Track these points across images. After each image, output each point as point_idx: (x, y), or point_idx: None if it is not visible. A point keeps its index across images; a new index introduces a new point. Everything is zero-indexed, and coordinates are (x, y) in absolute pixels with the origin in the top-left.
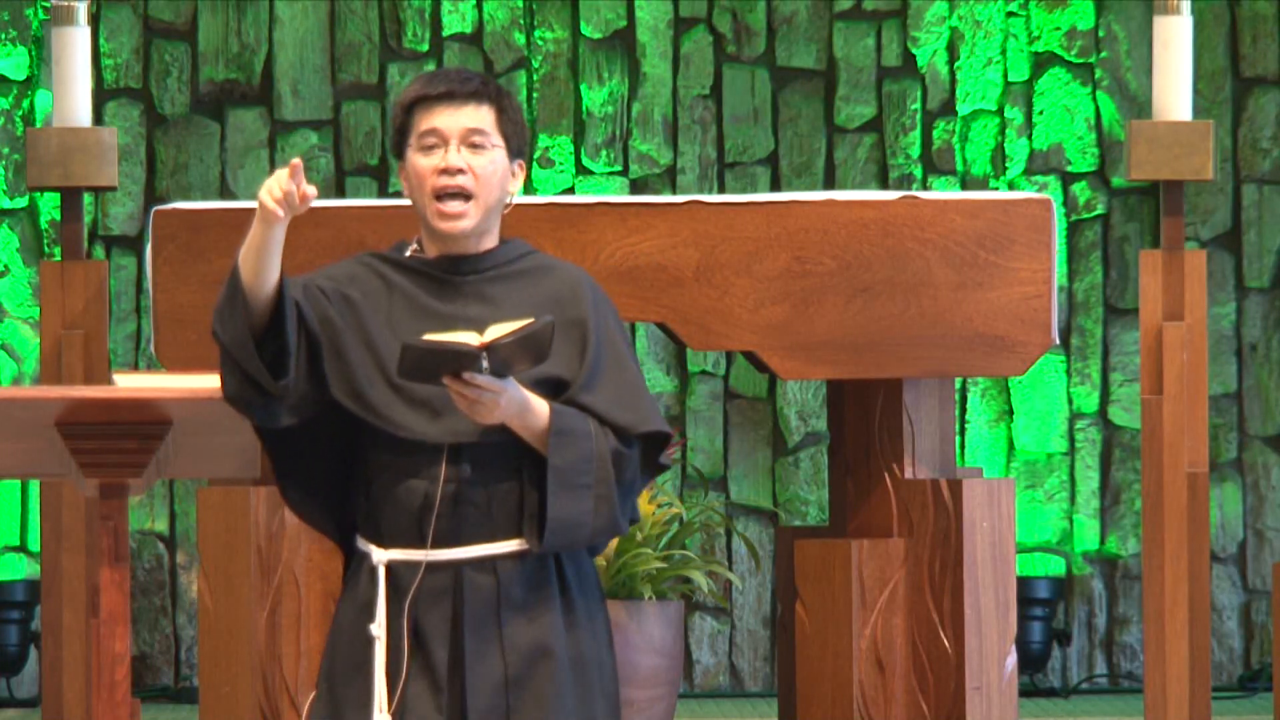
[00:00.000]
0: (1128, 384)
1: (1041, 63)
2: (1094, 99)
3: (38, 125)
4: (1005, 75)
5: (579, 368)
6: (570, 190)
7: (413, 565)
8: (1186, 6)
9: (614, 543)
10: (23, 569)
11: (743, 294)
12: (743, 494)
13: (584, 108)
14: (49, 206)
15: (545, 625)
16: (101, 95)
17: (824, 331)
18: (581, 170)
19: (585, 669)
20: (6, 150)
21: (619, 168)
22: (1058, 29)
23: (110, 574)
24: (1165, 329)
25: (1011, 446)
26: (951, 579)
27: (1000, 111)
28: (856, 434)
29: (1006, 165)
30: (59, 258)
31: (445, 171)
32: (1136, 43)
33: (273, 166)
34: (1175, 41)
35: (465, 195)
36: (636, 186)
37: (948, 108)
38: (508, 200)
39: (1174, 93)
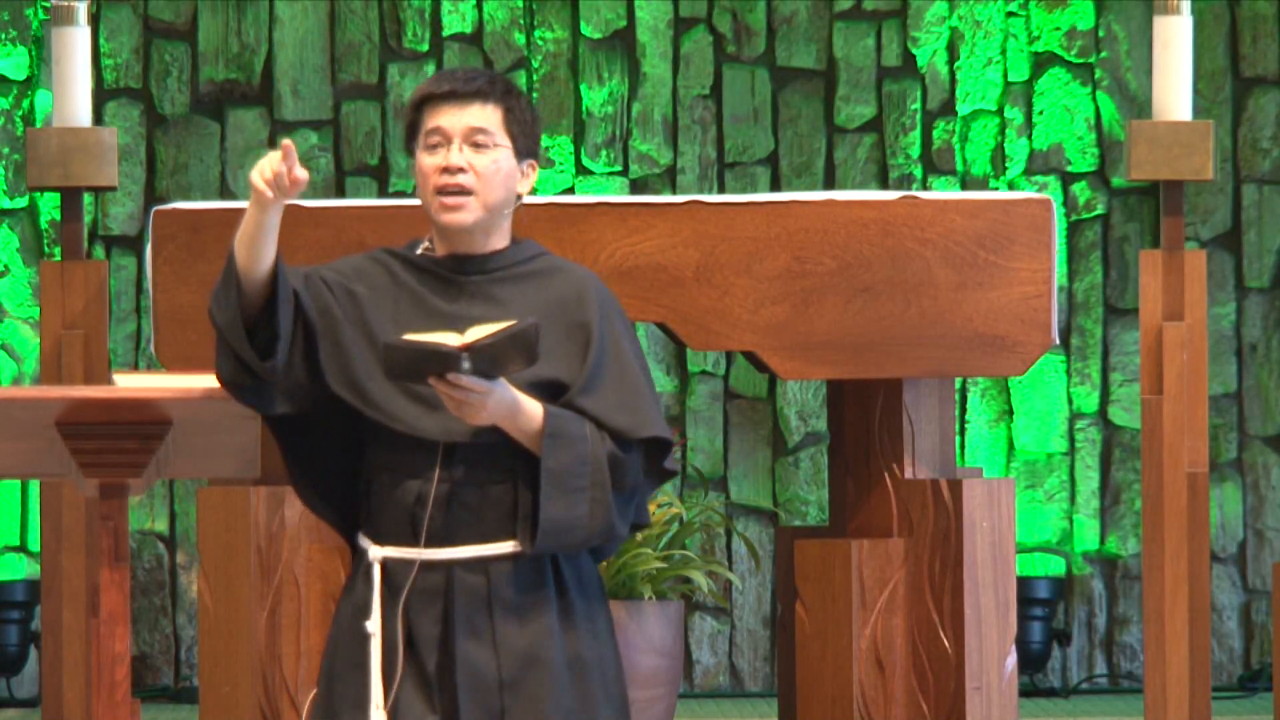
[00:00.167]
0: (1128, 384)
1: (1041, 63)
2: (1094, 99)
3: (38, 125)
4: (1005, 75)
5: (580, 371)
6: (570, 190)
7: (406, 563)
8: (1186, 6)
9: None
10: (23, 569)
11: (743, 294)
12: (743, 494)
13: (584, 108)
14: (49, 206)
15: (540, 628)
16: (101, 95)
17: (824, 331)
18: (581, 170)
19: (584, 671)
20: (6, 150)
21: (619, 168)
22: (1058, 29)
23: (110, 574)
24: (1165, 329)
25: (1011, 446)
26: (951, 579)
27: (1000, 111)
28: (856, 434)
29: (1006, 165)
30: (59, 258)
31: (446, 170)
32: (1136, 43)
33: None
34: (1175, 41)
35: (466, 193)
36: (636, 186)
37: (948, 108)
38: (517, 200)
39: (1174, 93)
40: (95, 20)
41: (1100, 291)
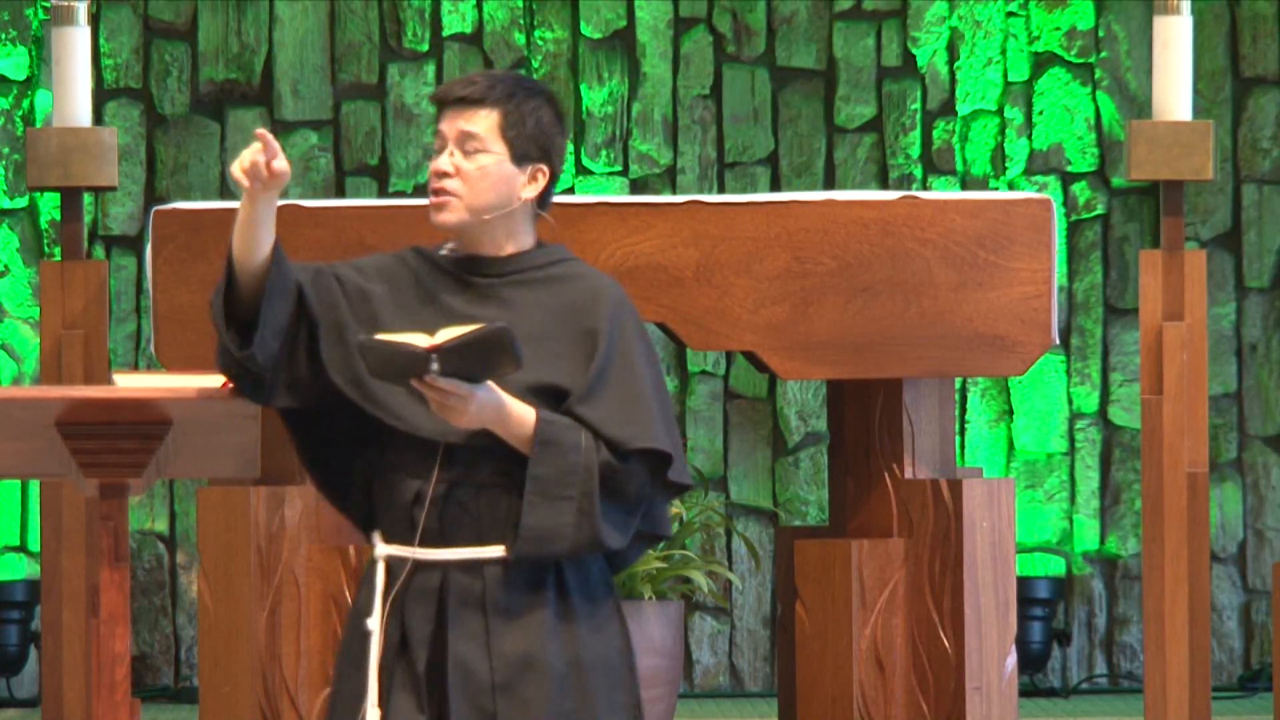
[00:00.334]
0: (1128, 384)
1: (1041, 63)
2: (1094, 99)
3: (38, 125)
4: (1005, 75)
5: (583, 378)
6: (570, 190)
7: (405, 562)
8: (1186, 6)
9: None
10: (23, 569)
11: (743, 294)
12: (743, 494)
13: (584, 108)
14: (49, 206)
15: (535, 631)
16: (101, 95)
17: (824, 331)
18: (581, 170)
19: (585, 675)
20: (6, 150)
21: (619, 168)
22: (1058, 29)
23: (110, 574)
24: (1165, 329)
25: (1011, 446)
26: (951, 579)
27: (1000, 111)
28: (856, 434)
29: (1006, 165)
30: (59, 258)
31: (435, 174)
32: (1136, 43)
33: None
34: (1175, 41)
35: (450, 196)
36: (636, 186)
37: (948, 108)
38: (535, 205)
39: (1174, 93)
40: (95, 20)
41: (1100, 291)
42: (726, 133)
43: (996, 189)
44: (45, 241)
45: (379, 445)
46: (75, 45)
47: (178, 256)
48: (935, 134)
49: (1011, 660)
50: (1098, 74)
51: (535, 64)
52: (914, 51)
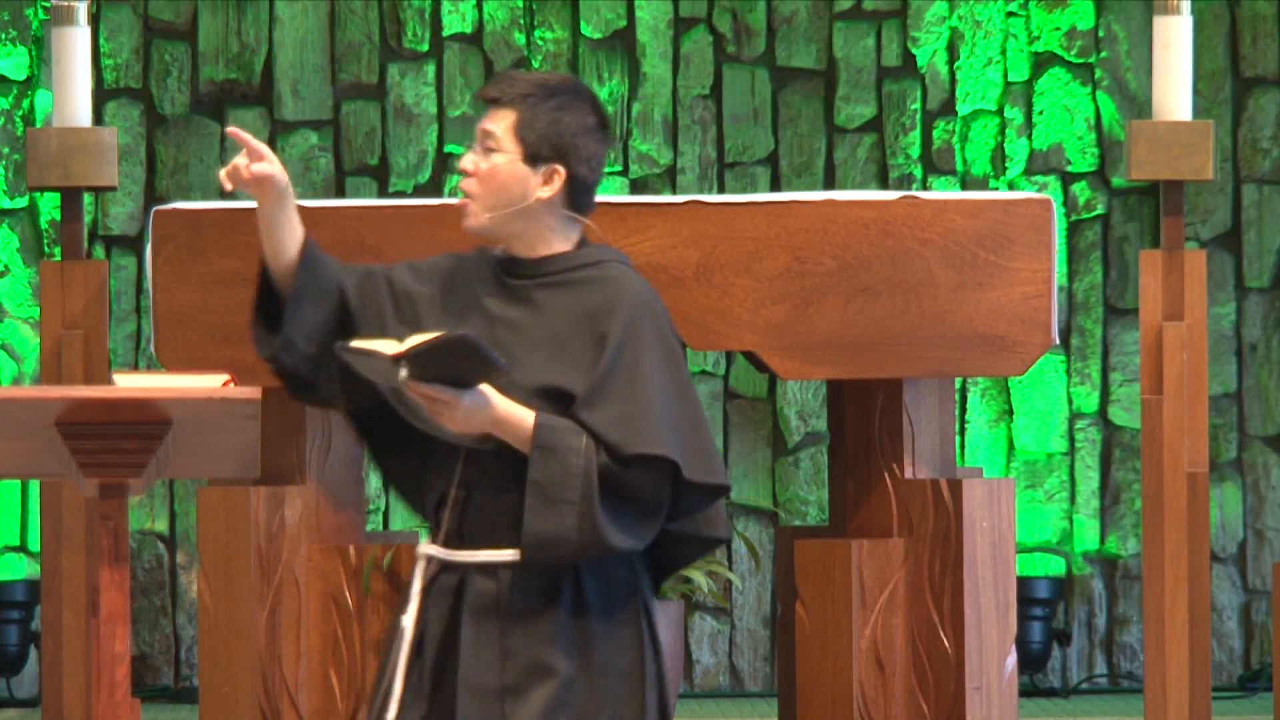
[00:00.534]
0: (1128, 384)
1: (1041, 63)
2: (1094, 99)
3: (38, 125)
4: (1005, 75)
5: (589, 382)
6: None
7: (434, 561)
8: (1186, 6)
9: None
10: (23, 569)
11: (743, 294)
12: (743, 494)
13: None
14: (49, 206)
15: (549, 636)
16: (101, 95)
17: (824, 331)
18: None
19: (597, 682)
20: (6, 150)
21: (619, 168)
22: (1058, 29)
23: (110, 574)
24: (1165, 329)
25: (1011, 446)
26: (951, 579)
27: (1000, 111)
28: (856, 434)
29: (1006, 165)
30: (59, 258)
31: (459, 172)
32: (1136, 43)
33: None
34: (1175, 41)
35: (468, 196)
36: (636, 186)
37: (948, 108)
38: (531, 204)
39: (1174, 93)
40: (95, 20)
41: (1100, 291)
42: (726, 133)
43: (996, 189)
44: (45, 241)
45: (421, 444)
46: (75, 45)
47: (178, 256)
48: (935, 134)
49: (1011, 660)
50: (1098, 74)
51: (535, 64)
52: (914, 51)
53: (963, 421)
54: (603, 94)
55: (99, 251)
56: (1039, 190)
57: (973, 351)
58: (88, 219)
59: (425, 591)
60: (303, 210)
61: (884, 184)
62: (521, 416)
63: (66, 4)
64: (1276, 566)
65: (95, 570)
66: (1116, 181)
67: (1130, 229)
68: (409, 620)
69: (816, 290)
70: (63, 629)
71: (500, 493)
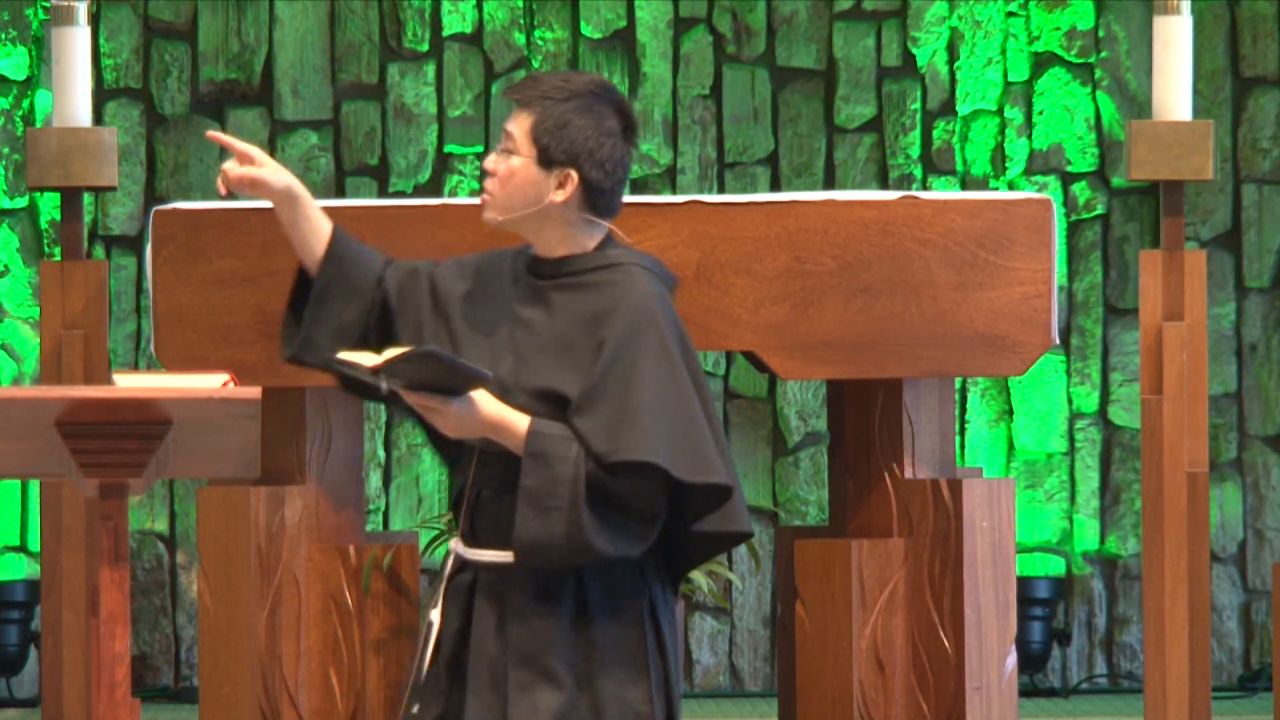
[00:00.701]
0: (1128, 384)
1: (1041, 63)
2: (1094, 99)
3: (38, 125)
4: (1005, 75)
5: (583, 387)
6: None
7: (456, 558)
8: (1186, 6)
9: None
10: (23, 569)
11: (743, 294)
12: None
13: None
14: (49, 206)
15: (549, 636)
16: (101, 95)
17: (824, 331)
18: None
19: (598, 683)
20: (6, 150)
21: None
22: (1058, 29)
23: (110, 574)
24: (1165, 329)
25: (1011, 446)
26: (951, 579)
27: (1000, 111)
28: (856, 434)
29: (1006, 165)
30: (59, 258)
31: (482, 170)
32: (1136, 43)
33: None
34: (1175, 41)
35: (488, 194)
36: (636, 186)
37: (948, 108)
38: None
39: (1174, 93)
40: (95, 20)
41: (1100, 291)
42: (726, 133)
43: (996, 189)
44: (45, 241)
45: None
46: (75, 45)
47: (178, 256)
48: (935, 134)
49: (1011, 660)
50: (1098, 74)
51: (535, 64)
52: (914, 51)
53: (963, 421)
54: None
55: (99, 251)
56: (1039, 190)
57: (973, 351)
58: (88, 219)
59: (447, 587)
60: None
61: (884, 184)
62: (516, 422)
63: (66, 4)
64: (1276, 566)
65: (95, 570)
66: (1116, 181)
67: (1130, 229)
68: (435, 615)
69: (816, 290)
70: (63, 629)
71: (506, 494)
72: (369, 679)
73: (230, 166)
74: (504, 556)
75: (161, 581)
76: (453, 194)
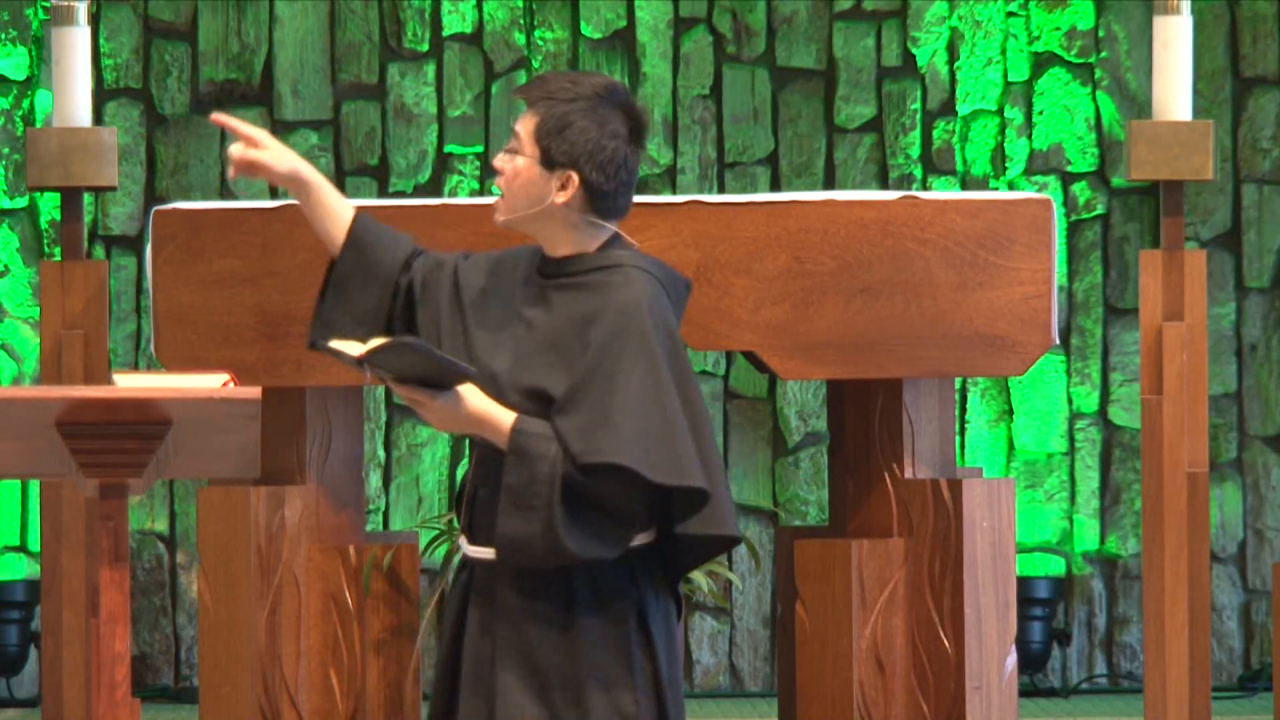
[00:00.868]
0: (1128, 384)
1: (1041, 63)
2: (1094, 99)
3: (38, 125)
4: (1005, 75)
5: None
6: None
7: (461, 555)
8: (1186, 6)
9: None
10: (23, 569)
11: (743, 294)
12: (743, 494)
13: None
14: (49, 206)
15: (534, 634)
16: (101, 95)
17: (824, 331)
18: None
19: (585, 682)
20: (6, 150)
21: None
22: (1058, 29)
23: (110, 574)
24: (1165, 329)
25: (1011, 446)
26: (951, 579)
27: (1000, 111)
28: (856, 434)
29: (1006, 165)
30: (59, 258)
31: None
32: (1136, 43)
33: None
34: (1175, 41)
35: (499, 194)
36: (636, 186)
37: (948, 108)
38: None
39: (1174, 93)
40: (95, 20)
41: (1100, 291)
42: (726, 133)
43: (996, 189)
44: (45, 241)
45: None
46: (75, 45)
47: (178, 256)
48: (935, 134)
49: (1011, 660)
50: (1098, 74)
51: (535, 64)
52: (914, 51)
53: (963, 421)
54: None
55: (99, 251)
56: (1039, 190)
57: (973, 351)
58: (88, 219)
59: (452, 585)
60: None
61: (884, 184)
62: (501, 419)
63: (66, 4)
64: (1276, 566)
65: (95, 570)
66: (1116, 181)
67: (1130, 229)
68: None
69: (816, 290)
70: (63, 629)
71: (497, 491)
72: (369, 679)
73: (235, 149)
74: (492, 554)
75: (161, 581)
76: (453, 194)
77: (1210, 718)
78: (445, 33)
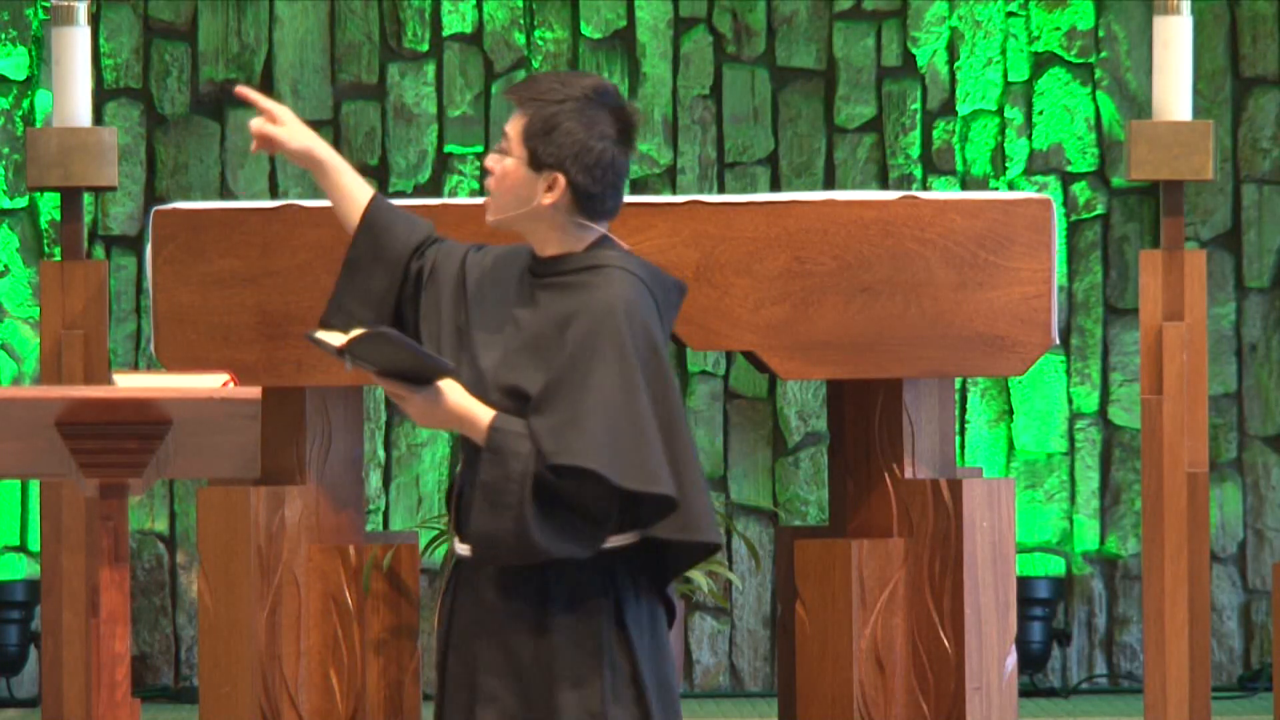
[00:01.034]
0: (1128, 384)
1: (1041, 63)
2: (1094, 99)
3: (38, 125)
4: (1005, 75)
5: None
6: None
7: (454, 553)
8: (1186, 6)
9: None
10: (23, 569)
11: (743, 294)
12: (743, 494)
13: None
14: (49, 206)
15: (513, 633)
16: (101, 95)
17: (824, 331)
18: None
19: (554, 684)
20: (6, 150)
21: None
22: (1058, 29)
23: (110, 574)
24: (1165, 329)
25: (1011, 446)
26: (951, 579)
27: (1000, 111)
28: (856, 434)
29: (1006, 165)
30: (59, 258)
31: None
32: (1136, 43)
33: (273, 166)
34: (1175, 41)
35: (490, 195)
36: (636, 186)
37: (948, 108)
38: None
39: (1174, 93)
40: (95, 20)
41: (1100, 291)
42: (726, 133)
43: (996, 189)
44: (45, 241)
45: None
46: (75, 45)
47: (178, 256)
48: (935, 134)
49: (1011, 660)
50: (1098, 74)
51: (535, 64)
52: (914, 51)
53: (963, 421)
54: None
55: (99, 251)
56: (1039, 190)
57: (973, 351)
58: (88, 219)
59: (446, 582)
60: (303, 210)
61: (884, 184)
62: (480, 416)
63: (66, 4)
64: (1276, 566)
65: (95, 570)
66: (1116, 181)
67: (1130, 229)
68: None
69: (816, 290)
70: (63, 629)
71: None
72: (369, 679)
73: (255, 122)
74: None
75: (161, 581)
76: (453, 194)
77: (1210, 718)
78: (445, 33)
